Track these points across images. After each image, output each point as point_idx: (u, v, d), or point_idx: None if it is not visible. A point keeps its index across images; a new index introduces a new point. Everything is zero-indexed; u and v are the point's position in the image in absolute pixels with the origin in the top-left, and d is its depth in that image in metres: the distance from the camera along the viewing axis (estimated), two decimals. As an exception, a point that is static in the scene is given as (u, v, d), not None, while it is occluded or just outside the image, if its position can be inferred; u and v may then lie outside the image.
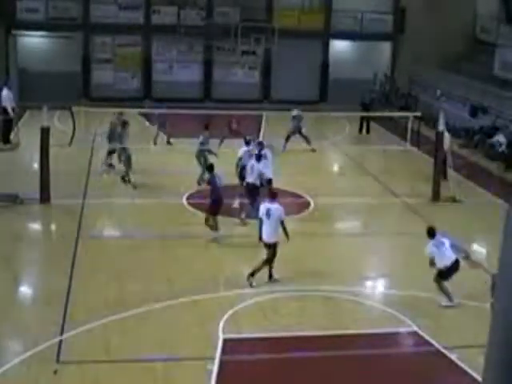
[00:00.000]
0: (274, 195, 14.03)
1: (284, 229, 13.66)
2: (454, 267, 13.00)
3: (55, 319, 11.84)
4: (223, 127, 23.40)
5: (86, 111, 25.98)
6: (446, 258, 12.96)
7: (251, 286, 13.37)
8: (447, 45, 32.45)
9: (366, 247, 16.29)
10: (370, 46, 34.50)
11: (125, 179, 19.85)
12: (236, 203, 17.76)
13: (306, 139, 24.43)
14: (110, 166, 21.06)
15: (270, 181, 17.49)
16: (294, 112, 24.63)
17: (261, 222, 13.63)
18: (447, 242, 13.07)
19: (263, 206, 13.80)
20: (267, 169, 17.45)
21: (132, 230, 17.01)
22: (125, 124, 20.21)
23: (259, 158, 17.22)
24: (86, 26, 32.15)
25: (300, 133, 24.51)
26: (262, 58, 33.74)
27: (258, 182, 16.91)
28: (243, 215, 16.87)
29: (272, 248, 13.57)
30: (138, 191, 19.35)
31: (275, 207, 13.64)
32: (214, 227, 15.67)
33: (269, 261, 13.60)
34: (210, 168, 16.16)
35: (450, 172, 20.19)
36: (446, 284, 13.03)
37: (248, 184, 16.91)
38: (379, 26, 34.29)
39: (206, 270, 14.30)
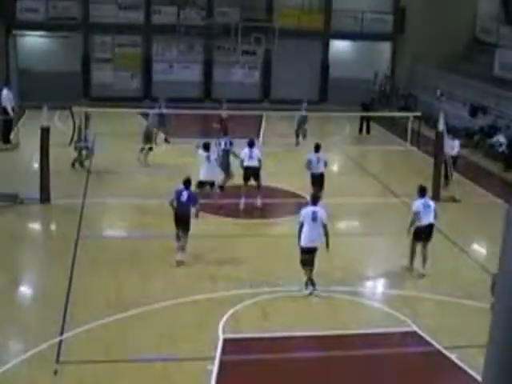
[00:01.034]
0: (316, 200, 13.61)
1: (326, 232, 13.23)
2: (429, 230, 14.29)
3: (55, 319, 11.83)
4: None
5: (86, 111, 25.93)
6: (427, 218, 14.21)
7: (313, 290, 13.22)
8: (447, 45, 32.45)
9: (366, 247, 16.29)
10: (370, 46, 34.51)
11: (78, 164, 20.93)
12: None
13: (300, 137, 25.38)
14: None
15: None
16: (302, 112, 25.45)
17: (302, 225, 13.12)
18: (432, 205, 14.44)
19: (309, 210, 13.29)
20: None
21: (132, 230, 17.02)
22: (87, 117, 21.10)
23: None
24: (86, 26, 32.16)
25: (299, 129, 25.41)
26: (262, 57, 33.75)
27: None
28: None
29: (314, 253, 13.20)
30: (137, 191, 19.34)
31: (320, 210, 13.29)
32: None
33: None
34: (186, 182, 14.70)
35: (451, 171, 20.19)
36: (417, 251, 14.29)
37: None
38: (379, 26, 34.31)
39: (205, 270, 14.29)
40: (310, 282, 13.24)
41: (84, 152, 21.24)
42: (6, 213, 17.33)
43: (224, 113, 25.18)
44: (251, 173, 18.07)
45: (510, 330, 4.04)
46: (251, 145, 18.40)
